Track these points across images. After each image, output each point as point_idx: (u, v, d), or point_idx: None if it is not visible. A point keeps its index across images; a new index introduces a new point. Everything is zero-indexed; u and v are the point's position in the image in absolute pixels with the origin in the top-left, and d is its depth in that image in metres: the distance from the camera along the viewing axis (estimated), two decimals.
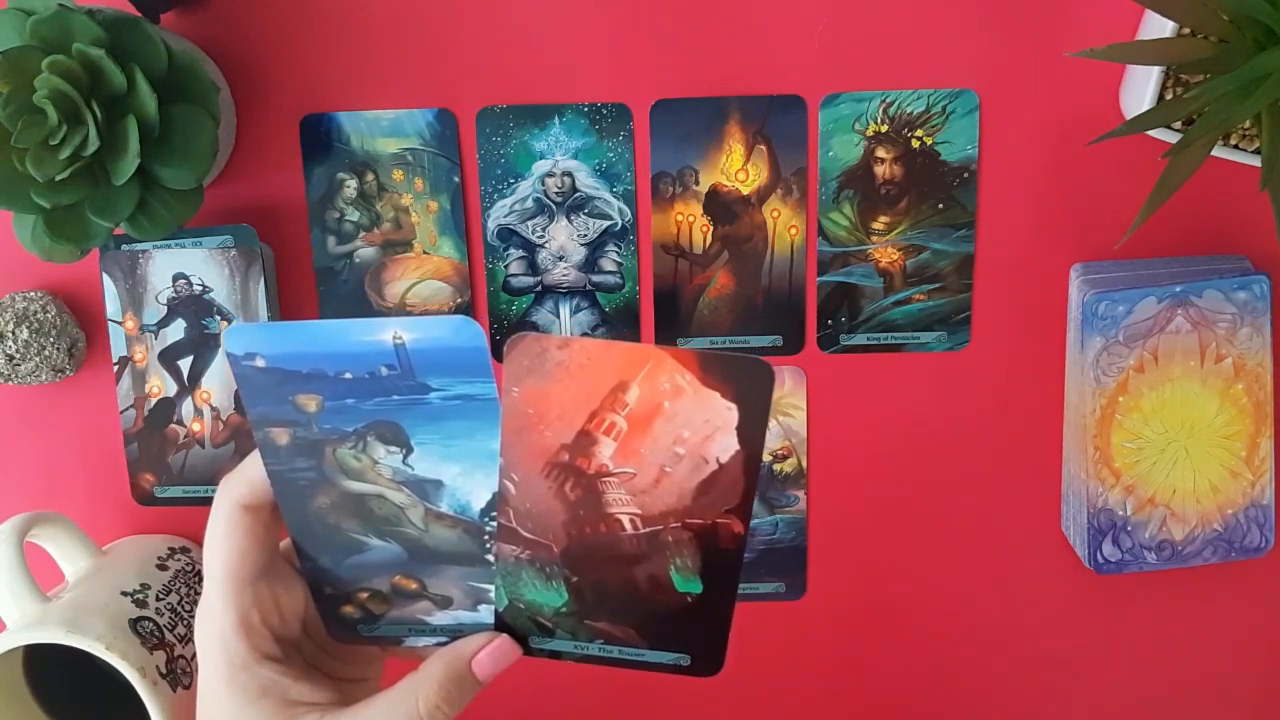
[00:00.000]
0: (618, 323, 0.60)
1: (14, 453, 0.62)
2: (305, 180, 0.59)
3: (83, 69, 0.47)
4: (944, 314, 0.60)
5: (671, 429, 0.37)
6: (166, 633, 0.54)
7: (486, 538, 0.39)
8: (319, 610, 0.41)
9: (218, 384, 0.59)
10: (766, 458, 0.61)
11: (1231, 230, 0.59)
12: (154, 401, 0.59)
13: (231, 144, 0.58)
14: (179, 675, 0.54)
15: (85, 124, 0.47)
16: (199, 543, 0.62)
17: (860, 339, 0.60)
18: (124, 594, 0.55)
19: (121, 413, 0.59)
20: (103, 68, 0.47)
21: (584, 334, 0.60)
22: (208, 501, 0.60)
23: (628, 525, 0.39)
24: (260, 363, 0.37)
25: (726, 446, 0.37)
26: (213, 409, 0.59)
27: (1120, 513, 0.58)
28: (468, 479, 0.38)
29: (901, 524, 0.63)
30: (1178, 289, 0.56)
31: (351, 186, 0.59)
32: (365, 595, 0.40)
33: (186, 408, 0.59)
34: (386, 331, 0.36)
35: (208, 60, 0.56)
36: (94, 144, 0.47)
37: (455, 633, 0.40)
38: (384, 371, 0.37)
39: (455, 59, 0.58)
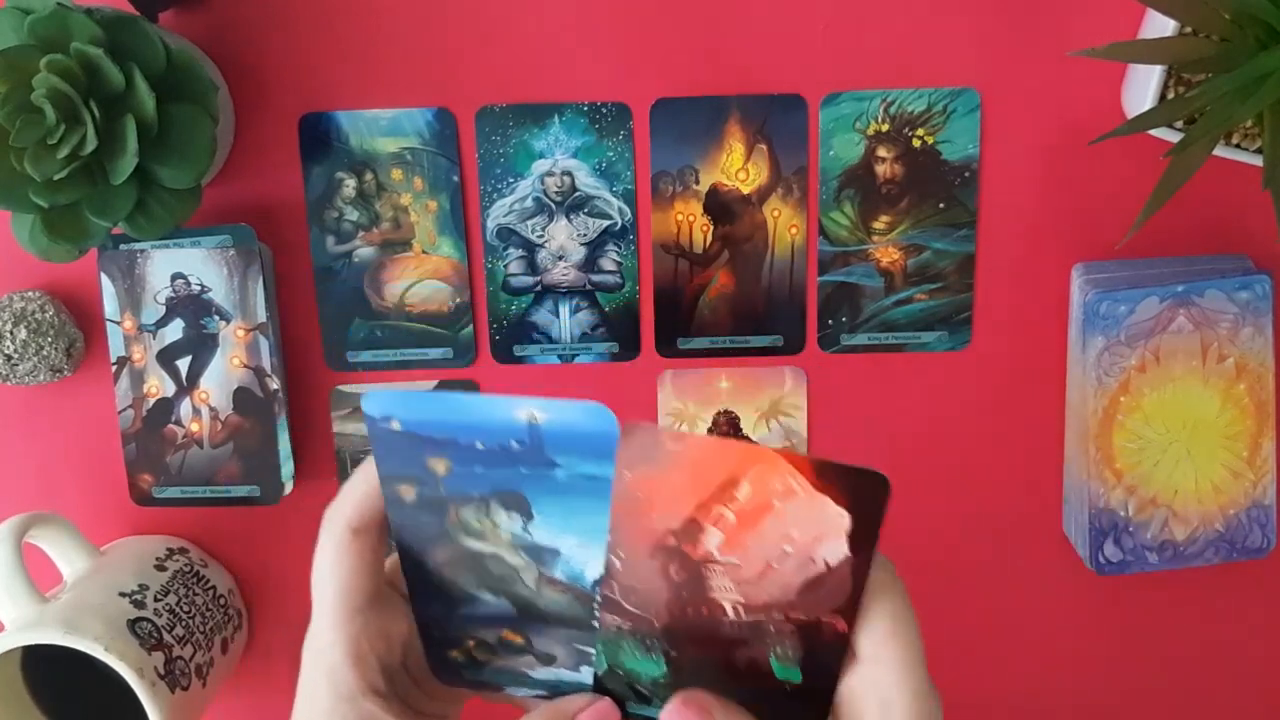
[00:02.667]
0: (617, 322, 0.60)
1: (12, 453, 0.62)
2: (304, 180, 0.59)
3: (81, 68, 0.47)
4: (945, 314, 0.60)
5: (780, 527, 0.37)
6: (164, 633, 0.54)
7: (596, 605, 0.39)
8: (425, 651, 0.41)
9: (216, 384, 0.59)
10: None
11: (1233, 230, 0.59)
12: (152, 401, 0.59)
13: (230, 144, 0.58)
14: (177, 676, 0.54)
15: (83, 123, 0.47)
16: (197, 543, 0.62)
17: (861, 339, 0.60)
18: (122, 595, 0.54)
19: (119, 413, 0.59)
20: (101, 67, 0.47)
21: (584, 334, 0.60)
22: (206, 502, 0.60)
23: (730, 611, 0.39)
24: (395, 426, 0.38)
25: (836, 551, 0.37)
26: (211, 409, 0.59)
27: (1122, 513, 0.58)
28: (584, 550, 0.39)
29: (901, 524, 0.62)
30: (1179, 289, 0.56)
31: (350, 186, 0.59)
32: (473, 644, 0.41)
33: (185, 408, 0.59)
34: (522, 410, 0.37)
35: (206, 59, 0.56)
36: (92, 143, 0.47)
37: (554, 689, 0.41)
38: (514, 445, 0.38)
39: (455, 59, 0.58)
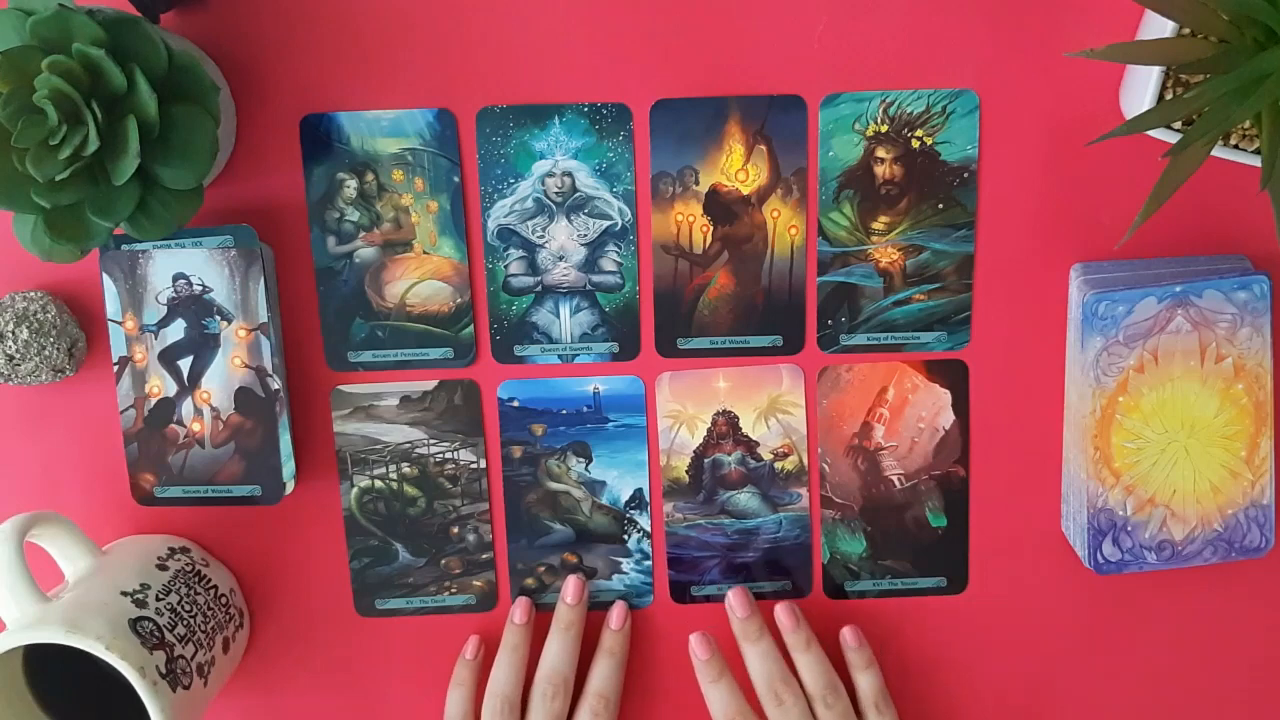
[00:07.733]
0: (617, 323, 0.60)
1: (14, 453, 0.62)
2: (305, 180, 0.59)
3: (83, 69, 0.47)
4: (944, 314, 0.60)
5: (915, 412, 0.60)
6: (166, 633, 0.54)
7: (625, 523, 0.61)
8: (511, 586, 0.61)
9: (217, 384, 0.59)
10: (768, 456, 0.61)
11: (1231, 230, 0.59)
12: (154, 401, 0.59)
13: (231, 144, 0.58)
14: (178, 675, 0.54)
15: (85, 124, 0.47)
16: (199, 543, 0.62)
17: (860, 339, 0.60)
18: (124, 594, 0.55)
19: (121, 413, 0.59)
20: (103, 68, 0.47)
21: (584, 334, 0.60)
22: (208, 501, 0.60)
23: (897, 482, 0.61)
24: (516, 403, 0.60)
25: (948, 419, 0.60)
26: (213, 409, 0.59)
27: (1120, 513, 0.58)
28: (621, 480, 0.61)
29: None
30: (1178, 289, 0.56)
31: (351, 186, 0.59)
32: (543, 569, 0.62)
33: (186, 408, 0.59)
34: (590, 384, 0.60)
35: (208, 60, 0.57)
36: (94, 144, 0.47)
37: (591, 595, 0.62)
38: (585, 409, 0.60)
39: (455, 59, 0.58)
